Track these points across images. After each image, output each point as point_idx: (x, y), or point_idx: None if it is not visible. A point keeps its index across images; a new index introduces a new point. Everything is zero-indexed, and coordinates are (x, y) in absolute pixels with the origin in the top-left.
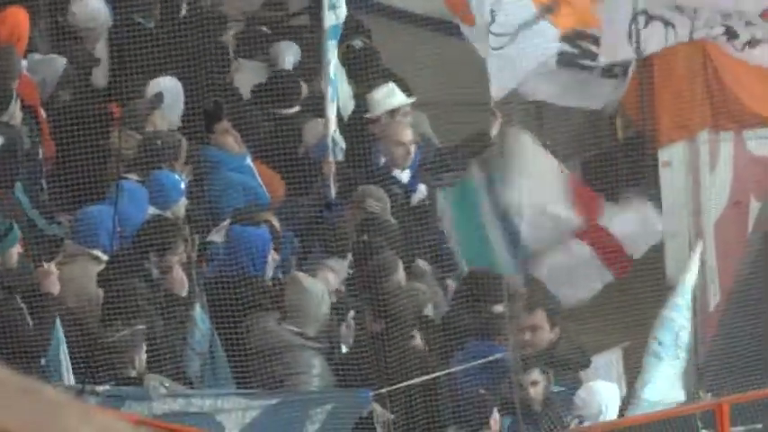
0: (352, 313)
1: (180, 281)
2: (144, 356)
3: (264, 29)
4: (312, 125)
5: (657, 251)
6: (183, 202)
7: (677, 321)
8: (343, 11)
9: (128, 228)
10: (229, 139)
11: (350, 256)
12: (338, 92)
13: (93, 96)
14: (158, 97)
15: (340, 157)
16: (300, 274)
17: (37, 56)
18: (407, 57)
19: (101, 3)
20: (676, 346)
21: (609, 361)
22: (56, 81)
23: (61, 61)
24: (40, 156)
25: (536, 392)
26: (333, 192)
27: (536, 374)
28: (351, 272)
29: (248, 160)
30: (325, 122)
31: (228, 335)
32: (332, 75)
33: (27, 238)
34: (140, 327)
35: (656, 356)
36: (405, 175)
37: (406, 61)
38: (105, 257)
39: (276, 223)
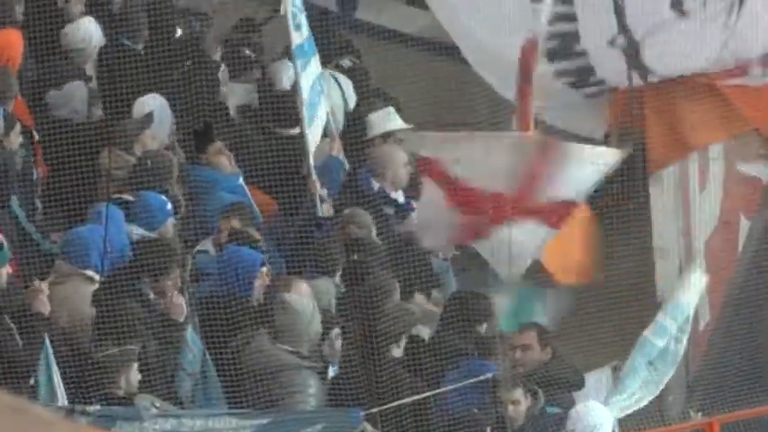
0: (336, 331)
1: (178, 306)
2: (135, 377)
3: (247, 51)
4: (319, 148)
5: (648, 270)
6: (171, 221)
7: (656, 344)
8: (305, 28)
9: (114, 249)
10: (223, 159)
11: (338, 275)
12: (322, 110)
13: (85, 119)
14: (148, 117)
15: (343, 178)
16: (287, 296)
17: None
18: (399, 77)
19: (93, 25)
20: (650, 368)
21: (599, 379)
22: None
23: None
24: (35, 176)
25: (516, 412)
26: (320, 211)
27: (518, 394)
28: (341, 290)
29: (240, 180)
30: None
31: (220, 355)
32: (305, 95)
33: (20, 257)
34: (131, 347)
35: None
36: (399, 196)
37: (397, 81)
38: (97, 277)
39: (259, 239)
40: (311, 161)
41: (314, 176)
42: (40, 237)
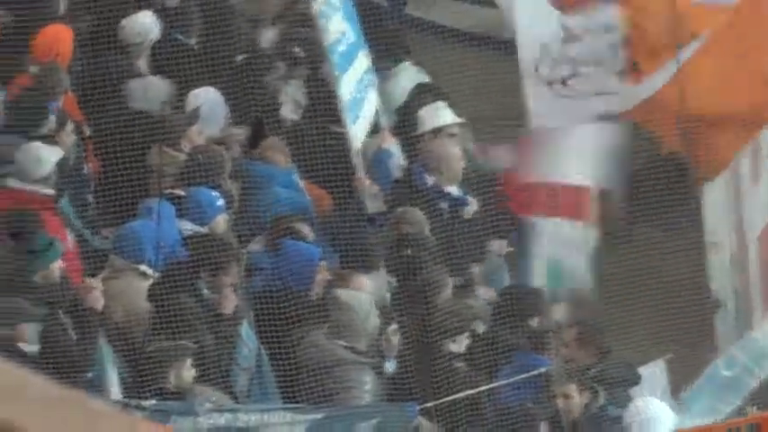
0: (394, 326)
1: (230, 301)
2: (187, 372)
3: (296, 48)
4: (367, 141)
5: (700, 264)
6: (223, 217)
7: (723, 374)
8: (337, 25)
9: (166, 244)
10: (278, 155)
11: (382, 269)
12: (371, 105)
13: (135, 112)
14: (195, 113)
15: (397, 174)
16: (341, 291)
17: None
18: (449, 72)
19: (151, 18)
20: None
21: (653, 372)
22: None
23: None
24: (86, 171)
25: (567, 405)
26: (368, 208)
27: (571, 389)
28: (394, 285)
29: (295, 175)
30: (379, 138)
31: (276, 349)
32: (350, 91)
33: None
34: (183, 342)
35: (697, 398)
36: (453, 189)
37: (447, 76)
38: (150, 272)
39: (309, 234)
40: (355, 158)
41: (360, 173)
42: (89, 233)
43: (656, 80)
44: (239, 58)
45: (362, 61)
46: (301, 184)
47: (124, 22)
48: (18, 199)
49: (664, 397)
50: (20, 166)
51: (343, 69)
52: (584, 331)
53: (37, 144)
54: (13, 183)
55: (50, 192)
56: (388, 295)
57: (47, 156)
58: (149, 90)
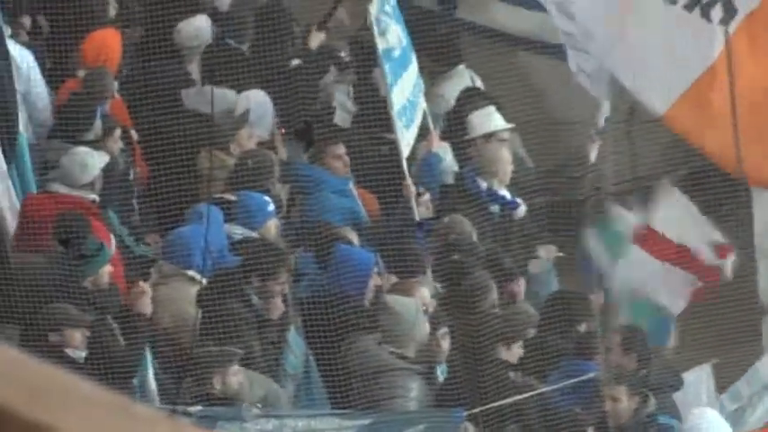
0: (444, 330)
1: (278, 308)
2: (234, 378)
3: (343, 53)
4: (419, 147)
5: (749, 269)
6: (274, 222)
7: (727, 407)
8: (393, 34)
9: (215, 249)
10: (338, 163)
11: (429, 275)
12: (420, 109)
13: (184, 117)
14: (244, 116)
15: (448, 178)
16: (390, 297)
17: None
18: (499, 76)
19: (206, 22)
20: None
21: (699, 377)
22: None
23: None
24: (131, 177)
25: (615, 408)
26: (416, 215)
27: (620, 392)
28: (441, 291)
29: (351, 185)
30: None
31: (324, 355)
32: (404, 97)
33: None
34: (230, 348)
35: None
36: (504, 193)
37: (498, 80)
38: (199, 278)
39: (356, 241)
40: (405, 165)
41: (408, 180)
42: (132, 240)
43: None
44: (292, 62)
45: (414, 65)
46: (356, 192)
47: (180, 25)
48: (65, 204)
49: (710, 402)
50: (65, 171)
51: (397, 75)
52: (629, 336)
53: (83, 149)
54: (58, 187)
55: (95, 197)
56: (434, 301)
57: (92, 161)
58: (203, 96)
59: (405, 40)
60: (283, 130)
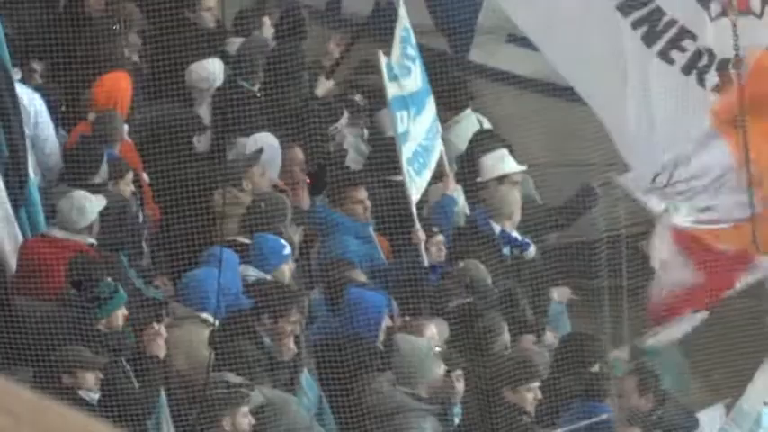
0: (458, 372)
1: (289, 349)
2: (244, 419)
3: (358, 97)
4: (430, 188)
5: (761, 307)
6: (289, 266)
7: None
8: (413, 78)
9: (229, 292)
10: (359, 208)
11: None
12: (437, 152)
13: (195, 160)
14: (257, 153)
15: (462, 222)
16: (400, 337)
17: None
18: (512, 118)
19: (219, 66)
20: None
21: (713, 417)
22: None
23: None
24: (141, 219)
25: None
26: (425, 259)
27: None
28: (448, 334)
29: (371, 229)
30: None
31: (337, 397)
32: (405, 146)
33: (129, 301)
34: (241, 389)
35: None
36: (515, 234)
37: (510, 123)
38: (212, 320)
39: (364, 280)
40: (414, 211)
41: (417, 226)
42: (142, 283)
43: None
44: (302, 104)
45: (431, 108)
46: (375, 237)
47: (192, 66)
48: (62, 248)
49: None
50: (63, 215)
51: (410, 119)
52: (644, 378)
53: (81, 193)
54: (56, 232)
55: (93, 241)
56: (444, 346)
57: (90, 205)
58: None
59: (422, 83)
60: (309, 180)
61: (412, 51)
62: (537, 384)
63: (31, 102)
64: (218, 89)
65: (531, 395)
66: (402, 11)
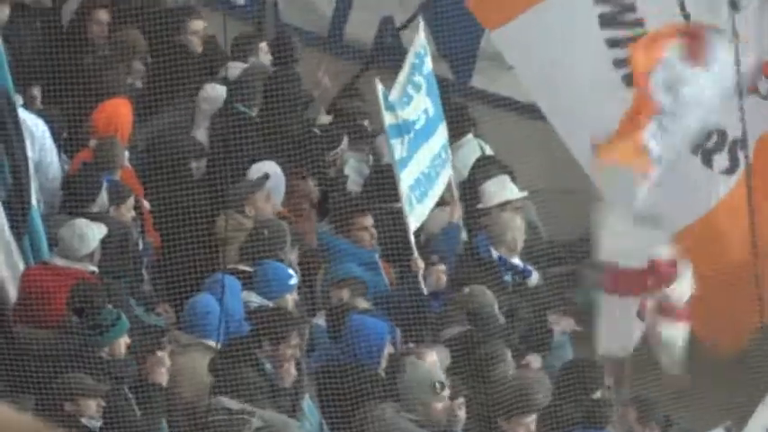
0: (460, 400)
1: (290, 374)
2: None
3: (365, 123)
4: (436, 214)
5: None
6: (292, 296)
7: None
8: (416, 106)
9: (232, 319)
10: (365, 235)
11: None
12: (443, 180)
13: (194, 187)
14: (261, 179)
15: (460, 249)
16: (409, 360)
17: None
18: (513, 144)
19: (221, 90)
20: None
21: None
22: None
23: None
24: (140, 247)
25: None
26: (424, 288)
27: None
28: (449, 362)
29: (377, 257)
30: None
31: (339, 424)
32: (405, 174)
33: (131, 328)
34: (242, 415)
35: None
36: (516, 261)
37: (512, 149)
38: (213, 346)
39: (366, 307)
40: (412, 239)
41: (415, 254)
42: (142, 311)
43: None
44: (302, 130)
45: (441, 135)
46: (381, 265)
47: (207, 86)
48: (63, 276)
49: None
50: (64, 243)
51: (414, 148)
52: (644, 409)
53: (81, 221)
54: (57, 260)
55: (95, 269)
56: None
57: (91, 233)
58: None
59: (433, 111)
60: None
61: (419, 78)
62: (532, 418)
63: (36, 125)
64: (216, 114)
65: (522, 430)
66: (421, 36)
